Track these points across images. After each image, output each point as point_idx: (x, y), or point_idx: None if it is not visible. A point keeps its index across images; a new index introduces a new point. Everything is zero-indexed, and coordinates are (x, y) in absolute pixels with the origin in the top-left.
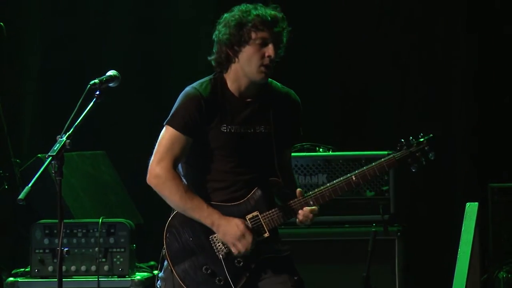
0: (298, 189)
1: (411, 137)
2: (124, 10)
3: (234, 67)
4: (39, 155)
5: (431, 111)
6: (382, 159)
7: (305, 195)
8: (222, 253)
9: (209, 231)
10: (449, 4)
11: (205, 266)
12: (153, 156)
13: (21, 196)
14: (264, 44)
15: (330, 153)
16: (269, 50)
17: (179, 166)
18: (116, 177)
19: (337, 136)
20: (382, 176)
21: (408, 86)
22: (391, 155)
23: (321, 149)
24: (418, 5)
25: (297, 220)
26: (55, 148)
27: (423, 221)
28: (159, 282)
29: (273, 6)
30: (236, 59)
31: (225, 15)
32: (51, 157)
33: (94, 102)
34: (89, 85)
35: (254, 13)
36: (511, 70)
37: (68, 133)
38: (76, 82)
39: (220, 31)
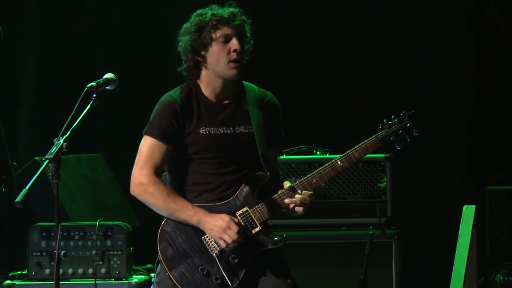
0: (285, 182)
1: (392, 116)
2: (121, 11)
3: (204, 71)
4: (36, 158)
5: (427, 114)
6: (365, 141)
7: (292, 184)
8: (216, 251)
9: (201, 232)
10: (446, 6)
11: (201, 267)
12: (134, 166)
13: (18, 199)
14: (227, 40)
15: (327, 155)
16: (233, 44)
17: (166, 174)
18: (113, 179)
19: (334, 139)
20: (380, 176)
21: (404, 89)
22: (374, 136)
23: (318, 152)
24: (415, 6)
25: (290, 209)
26: (52, 151)
27: (420, 224)
28: (152, 286)
29: (229, 3)
30: (205, 64)
31: (185, 24)
32: (48, 160)
33: (91, 105)
34: (86, 88)
35: (210, 13)
36: (508, 73)
37: (65, 136)
38: (73, 85)
39: (183, 40)
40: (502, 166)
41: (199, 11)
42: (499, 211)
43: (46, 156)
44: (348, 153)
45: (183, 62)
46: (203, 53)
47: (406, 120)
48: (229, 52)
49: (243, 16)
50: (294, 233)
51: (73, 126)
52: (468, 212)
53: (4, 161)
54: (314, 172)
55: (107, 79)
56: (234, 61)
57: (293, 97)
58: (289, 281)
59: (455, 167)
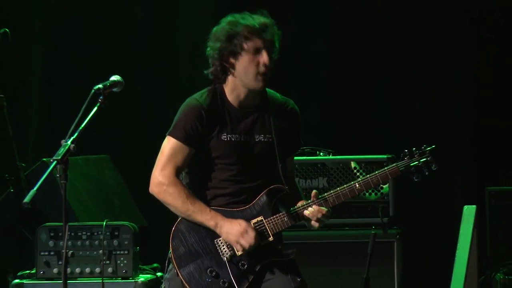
0: (314, 191)
1: (413, 148)
2: (127, 13)
3: (231, 78)
4: (44, 159)
5: (430, 116)
6: (386, 168)
7: (309, 201)
8: (227, 255)
9: (214, 235)
10: (448, 9)
11: (209, 269)
12: (155, 165)
13: (26, 199)
14: (257, 52)
15: (330, 157)
16: (264, 57)
17: (184, 175)
18: (120, 180)
19: (337, 140)
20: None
21: (407, 90)
22: (395, 165)
23: (321, 153)
24: (417, 9)
25: (306, 223)
26: (60, 152)
27: (421, 223)
28: (163, 282)
29: (261, 11)
30: (232, 71)
31: (214, 29)
32: (56, 161)
33: (98, 106)
34: (93, 90)
35: (243, 23)
36: (510, 74)
37: (72, 137)
38: (80, 87)
39: (212, 46)
40: (503, 167)
41: (230, 18)
42: (499, 212)
43: (53, 157)
44: (367, 177)
45: (210, 65)
46: (232, 60)
47: (427, 154)
48: (258, 64)
49: (274, 27)
50: (298, 233)
51: (81, 128)
52: (469, 212)
53: (13, 162)
54: (332, 191)
55: (114, 81)
56: (262, 74)
57: (296, 99)
58: (299, 279)
59: (457, 168)
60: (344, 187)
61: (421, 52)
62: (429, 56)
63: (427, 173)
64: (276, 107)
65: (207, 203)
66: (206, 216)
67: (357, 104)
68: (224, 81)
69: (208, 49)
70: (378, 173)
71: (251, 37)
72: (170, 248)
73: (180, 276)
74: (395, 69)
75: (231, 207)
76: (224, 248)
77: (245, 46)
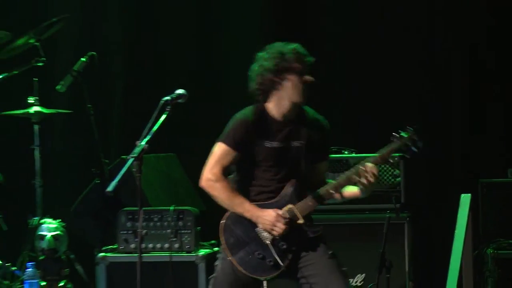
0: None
1: (399, 131)
2: (189, 34)
3: (276, 94)
4: (123, 156)
5: (431, 114)
6: (382, 150)
7: (334, 181)
8: (268, 240)
9: (254, 225)
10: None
11: (256, 252)
12: (206, 165)
13: (109, 188)
14: (303, 73)
15: (353, 155)
16: (309, 77)
17: (235, 174)
18: (184, 174)
19: (358, 140)
20: (391, 164)
21: (408, 87)
22: (388, 146)
23: (345, 152)
24: (422, 12)
25: (331, 197)
26: (136, 151)
27: (427, 208)
28: (217, 260)
29: (298, 45)
30: (280, 87)
31: (261, 53)
32: (132, 158)
33: (166, 114)
34: (162, 101)
35: (291, 47)
36: (507, 73)
37: (146, 139)
38: (152, 98)
39: (264, 64)
40: (493, 162)
41: (277, 45)
42: (490, 199)
43: (131, 155)
44: (376, 156)
45: (256, 85)
46: (282, 77)
47: (412, 133)
48: (304, 83)
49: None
50: (327, 216)
51: (152, 131)
52: (465, 199)
53: (98, 159)
54: (353, 168)
55: (179, 94)
56: (306, 91)
57: (320, 106)
58: (330, 252)
59: (455, 164)
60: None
61: (424, 53)
62: (429, 52)
63: (415, 150)
64: (309, 120)
65: (253, 197)
66: (244, 208)
67: (373, 111)
68: (268, 97)
69: (256, 69)
70: (378, 155)
71: (299, 59)
72: (222, 240)
73: (233, 261)
74: (397, 65)
75: (269, 200)
76: (264, 234)
77: (295, 66)
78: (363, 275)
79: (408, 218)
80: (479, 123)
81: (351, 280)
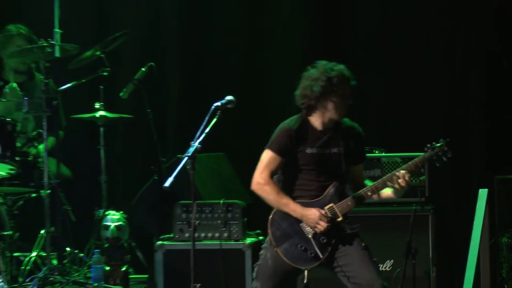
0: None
1: (433, 142)
2: (232, 48)
3: (320, 110)
4: (178, 155)
5: (451, 118)
6: (416, 159)
7: (374, 183)
8: (310, 234)
9: (299, 221)
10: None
11: (299, 244)
12: (256, 170)
13: (166, 184)
14: (346, 96)
15: (383, 154)
16: (350, 102)
17: (282, 177)
18: (232, 171)
19: (388, 140)
20: (420, 171)
21: (426, 89)
22: (421, 156)
23: (376, 151)
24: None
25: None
26: (190, 151)
27: (449, 202)
28: (262, 250)
29: (343, 66)
30: (324, 107)
31: (311, 70)
32: (187, 157)
33: (217, 118)
34: (213, 107)
35: (337, 70)
36: None
37: (199, 140)
38: (204, 104)
39: (311, 85)
40: (508, 160)
41: (326, 65)
42: (505, 194)
43: (185, 154)
44: (404, 167)
45: (302, 102)
46: (327, 98)
47: (444, 146)
48: (345, 106)
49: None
50: (360, 209)
51: (205, 133)
52: (482, 194)
53: (157, 158)
54: (389, 174)
55: (228, 100)
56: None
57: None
58: (363, 244)
59: (473, 161)
60: (388, 176)
61: (433, 46)
62: (446, 52)
63: (445, 159)
64: (346, 128)
65: (297, 197)
66: (290, 208)
67: (404, 114)
68: (311, 111)
69: (303, 87)
70: (411, 163)
71: (344, 83)
72: (269, 232)
73: (279, 251)
74: (415, 65)
75: (313, 199)
76: (307, 229)
77: (340, 89)
78: (392, 261)
79: (432, 211)
80: (496, 128)
81: (380, 265)
